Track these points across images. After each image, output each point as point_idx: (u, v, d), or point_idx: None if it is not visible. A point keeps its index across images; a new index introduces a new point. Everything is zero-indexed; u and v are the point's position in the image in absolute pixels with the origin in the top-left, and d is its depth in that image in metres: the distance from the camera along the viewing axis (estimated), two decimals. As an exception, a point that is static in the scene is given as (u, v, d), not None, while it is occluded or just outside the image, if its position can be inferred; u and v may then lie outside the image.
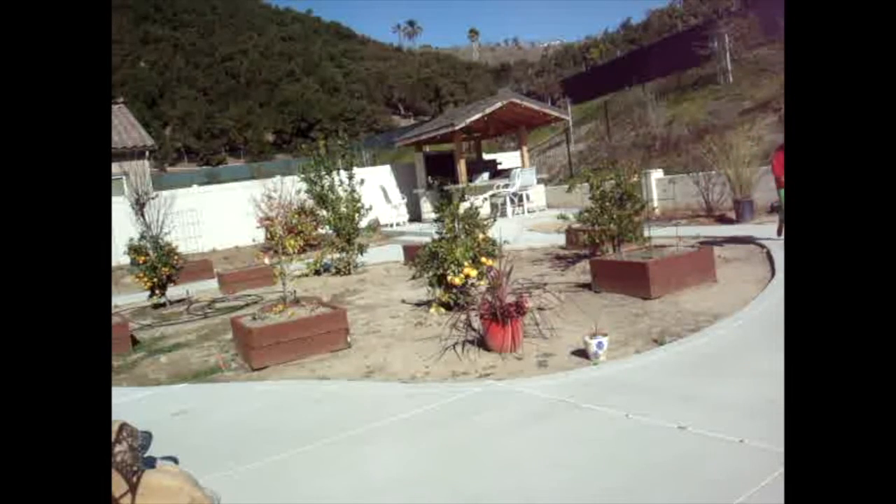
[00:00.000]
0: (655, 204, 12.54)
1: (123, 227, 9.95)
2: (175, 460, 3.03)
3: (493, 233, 6.84)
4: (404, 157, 29.53)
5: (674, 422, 3.10)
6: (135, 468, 2.42)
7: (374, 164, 29.33)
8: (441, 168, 17.61)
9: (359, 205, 10.84)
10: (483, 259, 6.12)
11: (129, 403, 4.68)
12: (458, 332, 5.22)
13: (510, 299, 4.82)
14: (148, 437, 2.56)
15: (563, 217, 8.97)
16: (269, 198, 15.09)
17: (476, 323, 5.10)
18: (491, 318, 4.77)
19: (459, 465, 3.05)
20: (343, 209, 10.73)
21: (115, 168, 12.84)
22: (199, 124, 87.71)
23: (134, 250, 9.09)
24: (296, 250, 11.35)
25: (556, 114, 18.11)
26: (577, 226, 8.65)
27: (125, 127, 19.90)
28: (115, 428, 2.42)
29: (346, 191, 10.84)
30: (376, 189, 17.59)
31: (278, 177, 16.21)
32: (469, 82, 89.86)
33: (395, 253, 11.88)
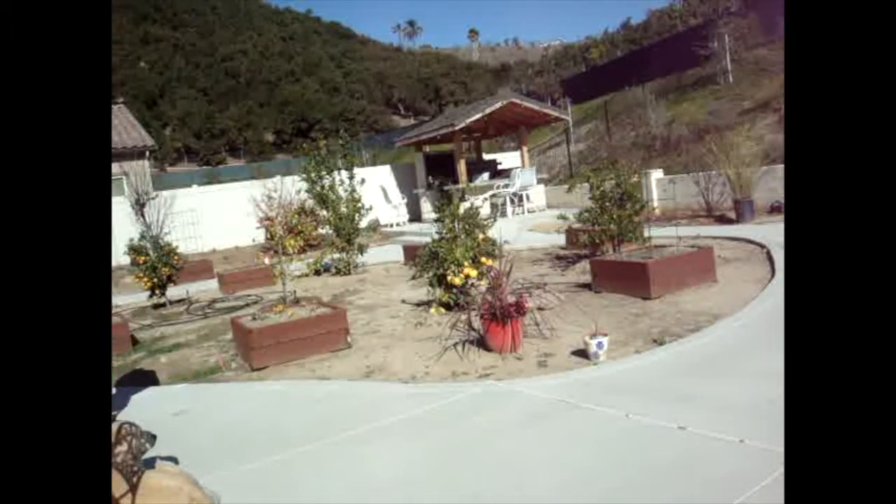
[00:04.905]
0: (655, 204, 12.54)
1: (123, 227, 9.96)
2: (175, 460, 3.03)
3: (493, 233, 6.84)
4: (404, 157, 29.54)
5: (674, 422, 3.10)
6: (135, 468, 2.42)
7: (374, 164, 29.32)
8: (441, 168, 17.61)
9: (359, 205, 10.84)
10: (483, 259, 6.11)
11: (128, 403, 4.67)
12: (458, 332, 5.22)
13: (510, 299, 4.82)
14: (152, 438, 2.56)
15: (563, 217, 8.98)
16: (270, 198, 15.12)
17: (476, 323, 5.10)
18: (491, 318, 4.77)
19: (459, 464, 3.04)
20: (343, 209, 10.73)
21: (115, 168, 12.82)
22: (199, 124, 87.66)
23: (134, 250, 9.09)
24: (296, 250, 11.36)
25: (556, 114, 18.10)
26: (577, 226, 8.65)
27: (125, 127, 19.90)
28: (115, 428, 2.42)
29: (346, 191, 10.84)
30: (376, 189, 17.59)
31: (278, 177, 16.22)
32: (469, 82, 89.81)
33: (395, 253, 11.88)
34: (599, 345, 4.32)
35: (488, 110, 15.74)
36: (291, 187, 14.14)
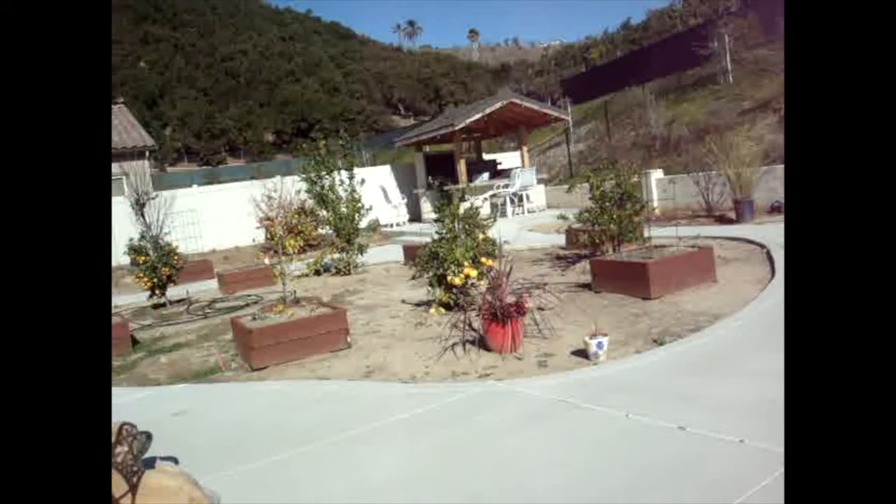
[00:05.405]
0: (655, 204, 12.54)
1: (123, 227, 9.96)
2: (175, 460, 3.02)
3: (493, 233, 6.84)
4: (404, 157, 29.54)
5: (674, 422, 3.10)
6: (135, 468, 2.42)
7: (374, 164, 29.34)
8: (441, 168, 17.60)
9: (359, 205, 10.84)
10: (483, 259, 6.12)
11: (129, 403, 4.67)
12: (458, 332, 5.22)
13: (510, 299, 4.83)
14: (148, 438, 2.56)
15: (563, 217, 8.97)
16: (269, 198, 15.13)
17: (476, 323, 5.10)
18: (491, 318, 4.77)
19: (459, 464, 3.04)
20: (343, 209, 10.73)
21: (115, 168, 12.81)
22: (199, 124, 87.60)
23: (134, 250, 9.09)
24: (296, 250, 11.34)
25: (556, 114, 18.10)
26: (577, 226, 8.65)
27: (125, 127, 19.90)
28: (115, 428, 2.42)
29: (346, 191, 10.84)
30: (376, 189, 17.59)
31: (278, 177, 16.23)
32: (469, 82, 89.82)
33: (395, 253, 11.88)
34: (599, 345, 4.32)
35: (488, 110, 15.74)
36: (291, 187, 14.15)
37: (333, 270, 10.45)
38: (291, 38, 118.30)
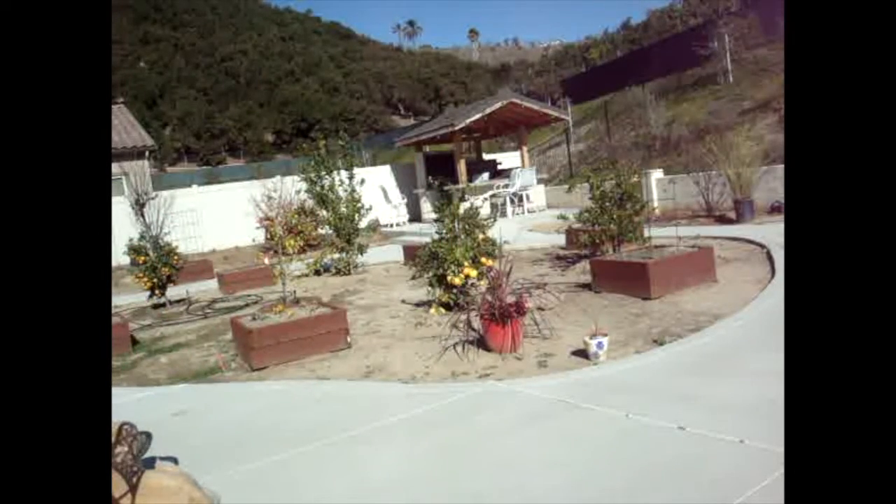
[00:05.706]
0: (655, 204, 12.53)
1: (123, 227, 9.96)
2: (175, 460, 3.03)
3: (492, 233, 6.84)
4: (404, 157, 29.55)
5: (674, 422, 3.10)
6: (135, 468, 2.42)
7: (374, 164, 29.34)
8: (441, 168, 17.58)
9: (359, 205, 10.84)
10: (483, 259, 6.11)
11: (129, 403, 4.67)
12: (458, 332, 5.22)
13: (510, 299, 4.83)
14: (148, 438, 2.56)
15: (563, 217, 8.97)
16: (269, 198, 15.13)
17: (476, 323, 5.10)
18: (491, 319, 4.77)
19: (459, 464, 3.04)
20: (343, 209, 10.73)
21: (115, 168, 12.83)
22: (199, 124, 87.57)
23: (134, 250, 9.10)
24: (296, 250, 11.38)
25: (556, 114, 18.09)
26: (577, 226, 8.65)
27: (125, 127, 19.90)
28: (115, 428, 2.42)
29: (346, 191, 10.84)
30: (376, 189, 17.58)
31: (278, 177, 16.23)
32: (469, 82, 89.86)
33: (395, 253, 11.88)
34: (599, 345, 4.32)
35: (488, 110, 15.73)
36: (291, 187, 14.15)
37: (333, 270, 10.45)
38: (291, 38, 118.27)
